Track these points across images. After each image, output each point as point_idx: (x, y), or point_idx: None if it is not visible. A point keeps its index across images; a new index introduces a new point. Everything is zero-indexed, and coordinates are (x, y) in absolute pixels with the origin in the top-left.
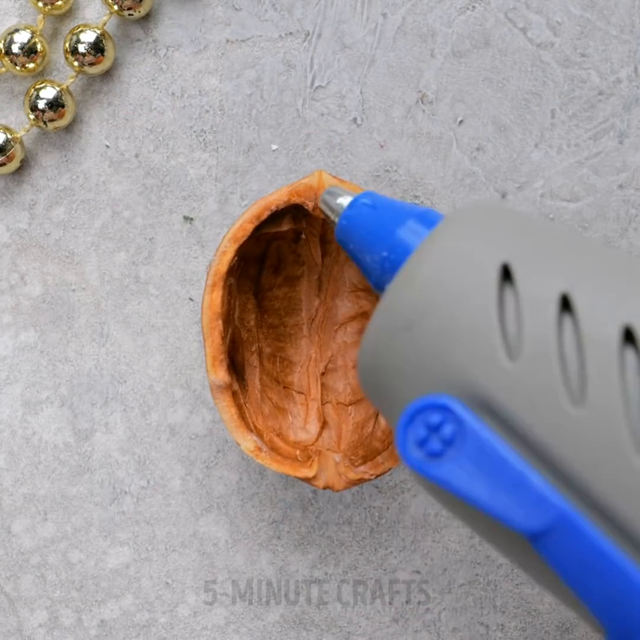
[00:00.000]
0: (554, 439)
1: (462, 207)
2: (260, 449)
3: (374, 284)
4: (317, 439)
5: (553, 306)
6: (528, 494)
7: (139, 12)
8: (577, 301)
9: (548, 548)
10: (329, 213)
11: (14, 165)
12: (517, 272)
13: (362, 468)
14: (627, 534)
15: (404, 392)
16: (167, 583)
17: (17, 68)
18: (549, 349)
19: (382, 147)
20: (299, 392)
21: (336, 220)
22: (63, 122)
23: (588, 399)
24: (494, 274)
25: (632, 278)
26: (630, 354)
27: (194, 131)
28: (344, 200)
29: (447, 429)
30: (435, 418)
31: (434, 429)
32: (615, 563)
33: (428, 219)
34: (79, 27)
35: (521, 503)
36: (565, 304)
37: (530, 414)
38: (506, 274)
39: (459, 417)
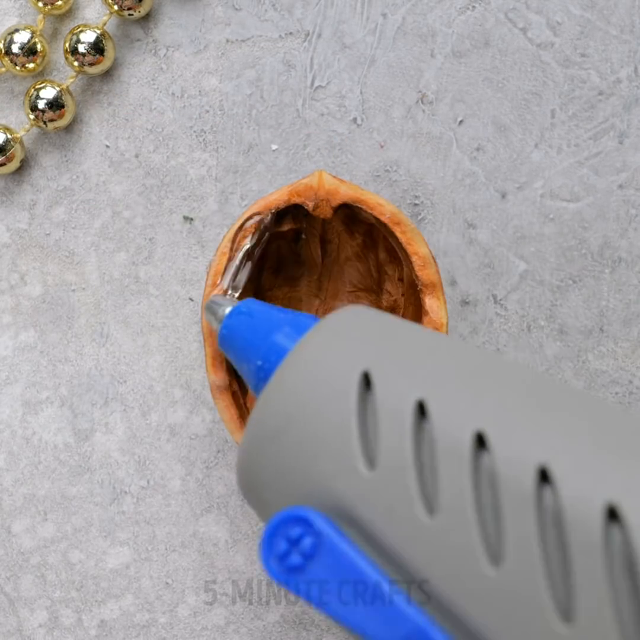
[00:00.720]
0: (410, 549)
1: (333, 313)
2: None
3: (255, 392)
4: None
5: (409, 413)
6: (384, 607)
7: (139, 12)
8: (432, 407)
9: None
10: (213, 322)
11: (14, 165)
12: (375, 380)
13: None
14: None
15: (273, 502)
16: (167, 583)
17: (17, 68)
18: (404, 456)
19: (382, 147)
20: None
21: (217, 328)
22: (63, 122)
23: (441, 506)
24: (355, 383)
25: (485, 381)
26: (484, 459)
27: (194, 131)
28: (224, 310)
29: (307, 542)
30: (295, 531)
31: (294, 542)
32: None
33: (301, 325)
34: (79, 27)
35: (377, 617)
36: (423, 411)
37: (386, 524)
38: (368, 382)
39: (316, 529)
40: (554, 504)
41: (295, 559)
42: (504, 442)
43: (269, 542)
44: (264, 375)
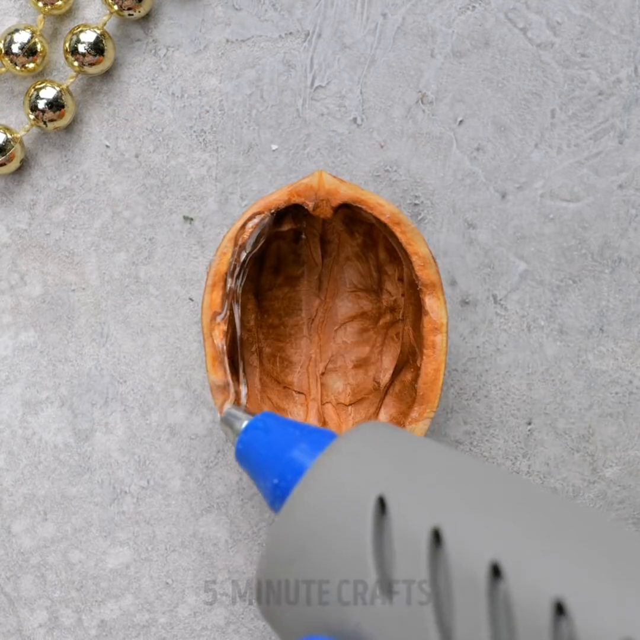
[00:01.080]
0: None
1: (347, 431)
2: None
3: (272, 508)
4: None
5: (425, 542)
6: None
7: (139, 12)
8: (447, 535)
9: None
10: (229, 434)
11: (14, 165)
12: (391, 506)
13: None
14: None
15: (291, 626)
16: (167, 583)
17: (17, 68)
18: (421, 588)
19: (382, 147)
20: (299, 392)
21: (234, 442)
22: (63, 122)
23: (457, 638)
24: (370, 508)
25: (500, 505)
26: (500, 587)
27: (194, 131)
28: (241, 424)
29: None
30: None
31: None
32: None
33: (317, 443)
34: (79, 27)
35: None
36: (438, 537)
37: None
38: (383, 505)
39: None
40: (570, 638)
41: None
42: (519, 574)
43: None
44: (280, 493)
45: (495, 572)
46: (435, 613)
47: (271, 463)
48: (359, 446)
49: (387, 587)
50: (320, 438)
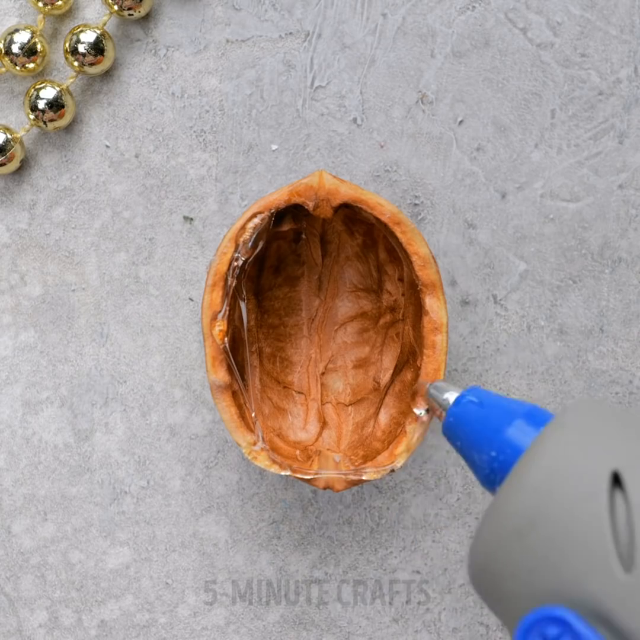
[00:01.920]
0: None
1: (569, 407)
2: (263, 449)
3: (483, 481)
4: (317, 439)
5: None
6: None
7: (139, 12)
8: None
9: None
10: (435, 407)
11: (14, 165)
12: (628, 480)
13: (362, 468)
14: None
15: (518, 600)
16: (167, 583)
17: (17, 68)
18: None
19: (382, 147)
20: (299, 392)
21: (443, 415)
22: (63, 122)
23: None
24: (605, 483)
25: None
26: None
27: (194, 131)
28: (450, 396)
29: None
30: (552, 631)
31: None
32: None
33: (536, 419)
34: (79, 27)
35: None
36: None
37: None
38: (616, 480)
39: (576, 631)
40: None
41: None
42: None
43: (523, 638)
44: (498, 466)
45: None
46: None
47: (488, 436)
48: (583, 422)
49: (627, 559)
50: (537, 413)
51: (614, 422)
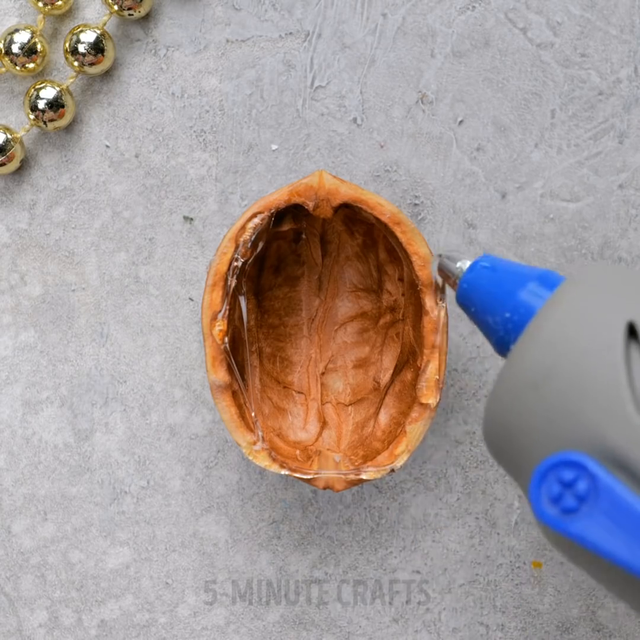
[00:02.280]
0: None
1: (582, 268)
2: (264, 449)
3: (496, 344)
4: (317, 439)
5: None
6: None
7: (139, 12)
8: None
9: None
10: (448, 275)
11: (14, 165)
12: None
13: (362, 468)
14: None
15: (534, 450)
16: (167, 583)
17: (17, 68)
18: None
19: (382, 147)
20: (299, 392)
21: (456, 284)
22: (63, 122)
23: None
24: (620, 332)
25: None
26: None
27: (194, 131)
28: (463, 264)
29: (581, 485)
30: (568, 475)
31: (568, 485)
32: None
33: (549, 281)
34: (79, 27)
35: None
36: None
37: None
38: (632, 332)
39: (592, 473)
40: None
41: (569, 501)
42: None
43: (539, 484)
44: (513, 327)
45: None
46: None
47: (502, 298)
48: (597, 279)
49: None
50: (550, 275)
51: (627, 279)
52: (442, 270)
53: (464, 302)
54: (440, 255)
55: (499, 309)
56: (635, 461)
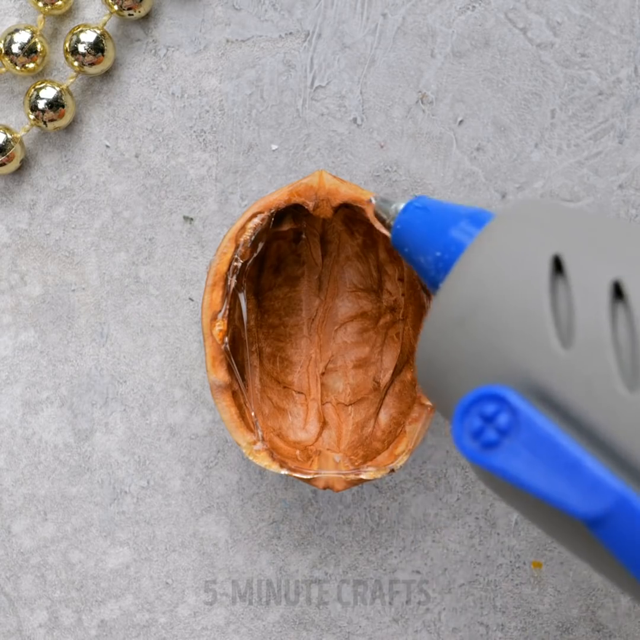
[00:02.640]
0: (610, 423)
1: (512, 205)
2: (264, 449)
3: (430, 284)
4: (317, 439)
5: (605, 293)
6: (585, 479)
7: (139, 12)
8: (629, 288)
9: (607, 533)
10: (383, 218)
11: (14, 165)
12: (569, 263)
13: (362, 468)
14: None
15: (459, 386)
16: (167, 583)
17: (17, 68)
18: (602, 335)
19: (382, 147)
20: (299, 392)
21: (391, 225)
22: (63, 122)
23: None
24: (546, 266)
25: None
26: None
27: (194, 131)
28: (398, 206)
29: (502, 419)
30: (489, 408)
31: (489, 419)
32: None
33: (479, 219)
34: (79, 27)
35: (579, 489)
36: (618, 292)
37: (585, 400)
38: (557, 266)
39: (513, 406)
40: None
41: (490, 435)
42: None
43: (462, 419)
44: (443, 265)
45: None
46: (617, 358)
47: (434, 238)
48: (526, 214)
49: (566, 337)
50: (481, 214)
51: (556, 214)
52: (378, 214)
53: (398, 243)
54: (375, 198)
55: (430, 248)
56: (559, 393)
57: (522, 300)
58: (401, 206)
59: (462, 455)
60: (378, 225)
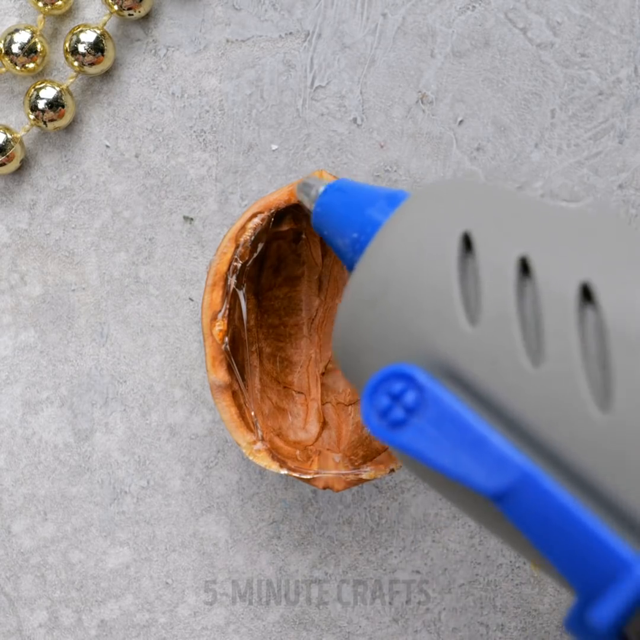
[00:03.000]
0: (515, 398)
1: (426, 184)
2: (264, 449)
3: (348, 267)
4: (317, 439)
5: (511, 269)
6: (490, 455)
7: (139, 12)
8: (535, 263)
9: (512, 508)
10: (305, 202)
11: (14, 165)
12: (477, 240)
13: (362, 468)
14: (590, 489)
15: (371, 366)
16: (167, 583)
17: (17, 68)
18: (508, 310)
19: (382, 147)
20: (299, 392)
21: (311, 208)
22: (63, 122)
23: (546, 356)
24: (455, 244)
25: (590, 238)
26: (588, 310)
27: (194, 131)
28: (318, 189)
29: (409, 397)
30: (397, 387)
31: (396, 397)
32: (579, 520)
33: (396, 198)
34: (79, 27)
35: (483, 465)
36: (526, 269)
37: (490, 375)
38: (468, 244)
39: (420, 384)
40: None
41: (397, 413)
42: (611, 294)
43: (370, 398)
44: (360, 247)
45: (586, 295)
46: (522, 333)
47: (351, 219)
48: (438, 193)
49: (473, 314)
50: (398, 194)
51: (469, 192)
52: (300, 197)
53: (318, 225)
54: (298, 184)
55: (348, 230)
56: (466, 371)
57: (431, 279)
58: (321, 189)
59: (371, 433)
60: (306, 211)
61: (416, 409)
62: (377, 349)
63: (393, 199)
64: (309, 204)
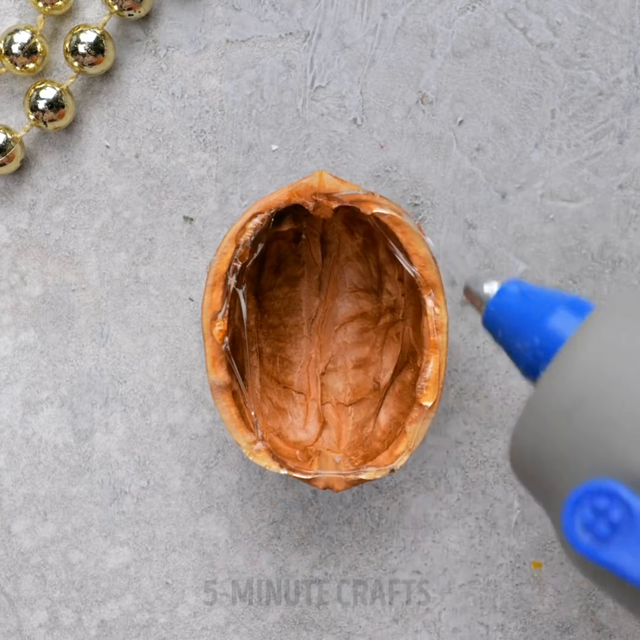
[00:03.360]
0: None
1: (613, 295)
2: (263, 449)
3: (524, 370)
4: (317, 439)
5: None
6: None
7: (139, 12)
8: None
9: None
10: (474, 299)
11: (14, 165)
12: None
13: (362, 468)
14: None
15: (566, 479)
16: (167, 583)
17: (17, 68)
18: None
19: (382, 147)
20: (299, 392)
21: (483, 307)
22: (63, 122)
23: None
24: None
25: None
26: None
27: (194, 131)
28: (491, 287)
29: (615, 513)
30: (602, 502)
31: (601, 513)
32: None
33: (578, 307)
34: (79, 27)
35: None
36: None
37: None
38: None
39: (626, 502)
40: None
41: (602, 528)
42: None
43: (572, 512)
44: (543, 354)
45: None
46: None
47: (530, 323)
48: (631, 304)
49: None
50: (580, 302)
51: None
52: (469, 292)
53: (491, 326)
54: (469, 279)
55: (527, 334)
56: None
57: (629, 396)
58: (494, 287)
59: (570, 546)
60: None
61: (621, 526)
62: (573, 461)
63: (575, 308)
64: (478, 302)
